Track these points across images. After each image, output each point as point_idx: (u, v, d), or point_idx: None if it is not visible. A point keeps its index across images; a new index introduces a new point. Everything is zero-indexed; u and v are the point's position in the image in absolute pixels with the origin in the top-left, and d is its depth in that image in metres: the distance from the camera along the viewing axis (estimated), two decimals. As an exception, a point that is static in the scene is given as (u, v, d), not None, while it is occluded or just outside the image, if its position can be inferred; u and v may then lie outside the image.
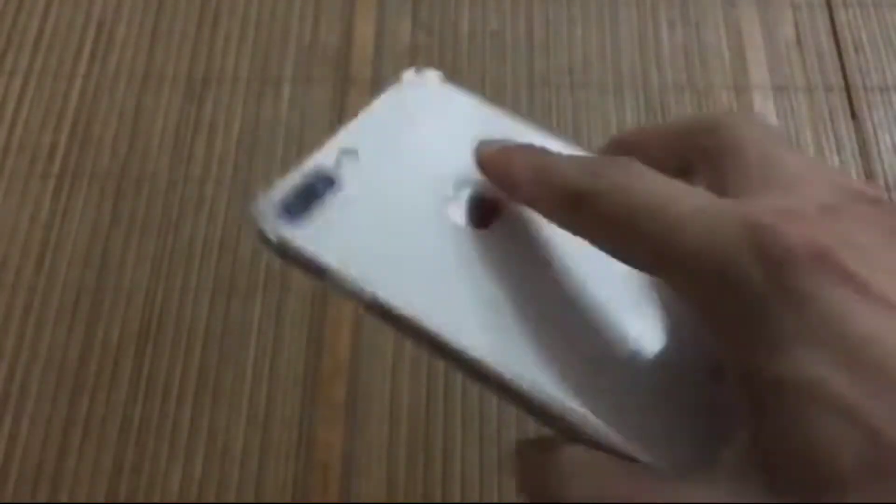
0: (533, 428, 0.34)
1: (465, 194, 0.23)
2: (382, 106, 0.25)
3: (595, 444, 0.18)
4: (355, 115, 0.24)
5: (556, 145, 0.22)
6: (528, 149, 0.22)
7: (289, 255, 0.21)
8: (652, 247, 0.18)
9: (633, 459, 0.18)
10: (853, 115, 0.42)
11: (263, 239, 0.21)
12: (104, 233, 0.38)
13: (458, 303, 0.20)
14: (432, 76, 0.26)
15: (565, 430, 0.19)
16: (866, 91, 0.42)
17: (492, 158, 0.22)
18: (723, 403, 0.18)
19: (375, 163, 0.23)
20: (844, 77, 0.43)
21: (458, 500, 0.33)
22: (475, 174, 0.22)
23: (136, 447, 0.34)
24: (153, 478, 0.33)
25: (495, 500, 0.33)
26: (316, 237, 0.21)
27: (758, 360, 0.16)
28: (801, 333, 0.16)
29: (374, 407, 0.35)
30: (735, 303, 0.17)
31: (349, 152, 0.23)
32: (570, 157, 0.21)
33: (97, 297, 0.36)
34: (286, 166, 0.22)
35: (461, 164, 0.23)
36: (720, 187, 0.20)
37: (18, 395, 0.35)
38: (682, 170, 0.22)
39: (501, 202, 0.22)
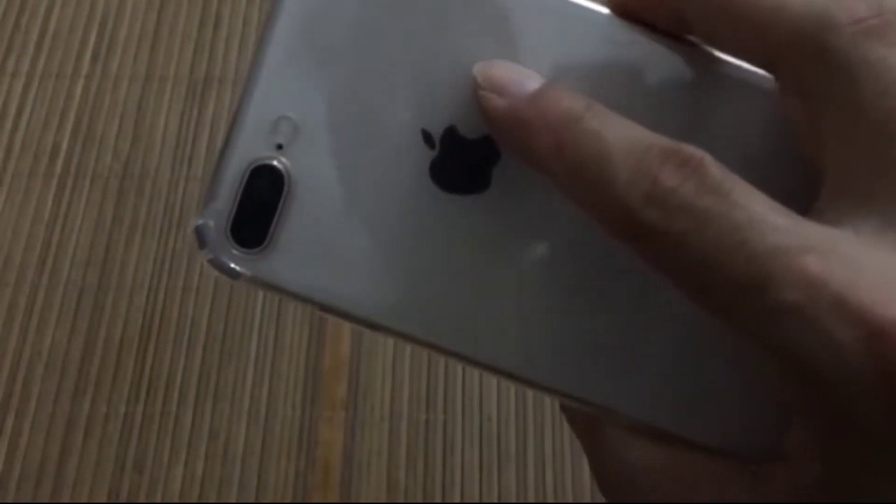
0: (532, 427, 0.34)
1: (450, 144, 0.17)
2: (290, 29, 0.18)
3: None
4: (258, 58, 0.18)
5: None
6: (554, 106, 0.15)
7: (255, 285, 0.17)
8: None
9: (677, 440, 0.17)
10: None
11: (222, 269, 0.17)
12: (106, 232, 0.38)
13: (466, 311, 0.17)
14: None
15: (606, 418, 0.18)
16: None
17: (503, 117, 0.16)
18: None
19: (323, 127, 0.18)
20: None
21: (458, 500, 0.33)
22: (458, 103, 0.17)
23: (138, 446, 0.34)
24: (155, 477, 0.33)
25: (495, 500, 0.33)
26: (286, 265, 0.17)
27: None
28: None
29: (374, 406, 0.35)
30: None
31: (283, 123, 0.18)
32: (623, 143, 0.14)
33: (99, 297, 0.36)
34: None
35: (436, 93, 0.17)
36: (807, 131, 0.15)
37: (21, 393, 0.35)
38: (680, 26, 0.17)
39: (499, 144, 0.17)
